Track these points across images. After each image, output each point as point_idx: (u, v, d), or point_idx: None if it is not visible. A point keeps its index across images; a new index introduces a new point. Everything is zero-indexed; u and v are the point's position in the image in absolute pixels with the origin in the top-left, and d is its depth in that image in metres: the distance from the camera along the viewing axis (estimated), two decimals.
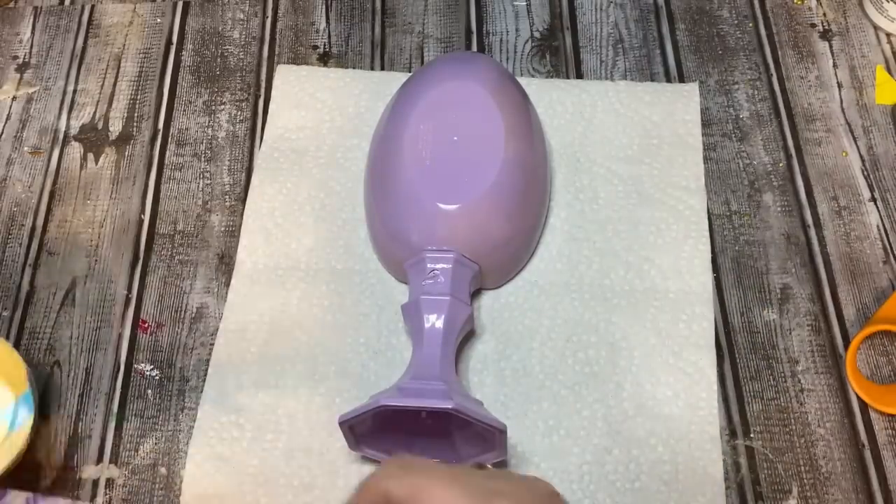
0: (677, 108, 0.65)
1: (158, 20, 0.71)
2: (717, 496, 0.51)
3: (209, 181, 0.64)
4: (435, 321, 0.51)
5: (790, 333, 0.57)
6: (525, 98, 0.59)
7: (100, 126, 0.66)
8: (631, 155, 0.63)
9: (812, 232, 0.61)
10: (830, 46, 0.69)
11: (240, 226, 0.61)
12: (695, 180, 0.62)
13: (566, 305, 0.57)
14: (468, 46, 0.69)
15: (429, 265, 0.53)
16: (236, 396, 0.55)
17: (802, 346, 0.57)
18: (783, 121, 0.65)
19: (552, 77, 0.67)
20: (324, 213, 0.61)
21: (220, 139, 0.65)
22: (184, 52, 0.70)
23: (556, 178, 0.62)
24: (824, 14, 0.70)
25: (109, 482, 0.53)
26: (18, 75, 0.69)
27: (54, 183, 0.64)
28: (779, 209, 0.62)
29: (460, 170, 0.54)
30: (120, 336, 0.58)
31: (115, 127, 0.66)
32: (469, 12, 0.71)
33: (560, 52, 0.69)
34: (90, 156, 0.65)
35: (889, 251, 0.60)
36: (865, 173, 0.63)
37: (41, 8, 0.72)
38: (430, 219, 0.54)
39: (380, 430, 0.50)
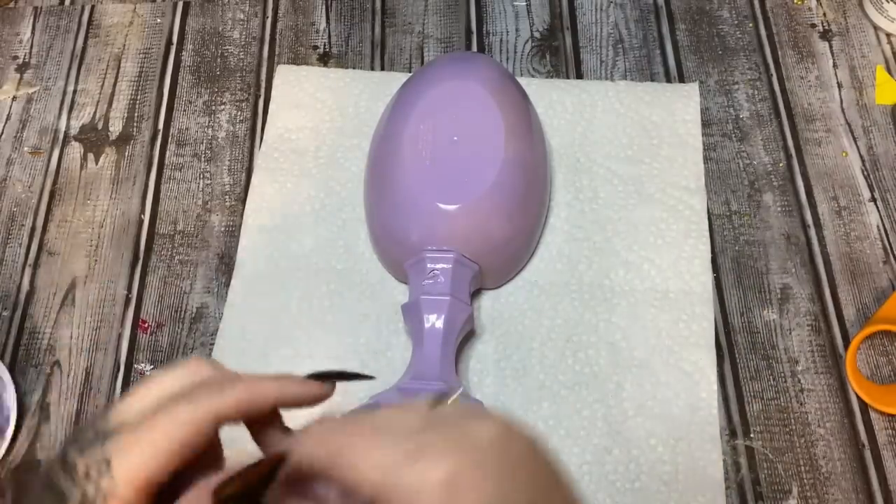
0: (677, 108, 0.65)
1: (158, 20, 0.71)
2: (716, 496, 0.51)
3: (209, 181, 0.64)
4: (435, 321, 0.51)
5: (790, 333, 0.57)
6: (525, 98, 0.59)
7: (100, 126, 0.66)
8: (631, 155, 0.63)
9: (812, 232, 0.61)
10: (830, 46, 0.69)
11: (240, 226, 0.61)
12: (695, 180, 0.62)
13: (566, 305, 0.57)
14: (468, 46, 0.69)
15: (429, 265, 0.53)
16: None
17: (802, 346, 0.57)
18: (783, 121, 0.65)
19: (552, 77, 0.67)
20: (324, 213, 0.61)
21: (220, 139, 0.65)
22: (184, 53, 0.70)
23: (556, 178, 0.62)
24: (824, 14, 0.70)
25: None
26: (18, 75, 0.69)
27: (54, 183, 0.64)
28: (779, 209, 0.62)
29: (460, 170, 0.54)
30: (120, 336, 0.58)
31: (115, 127, 0.66)
32: (469, 12, 0.71)
33: (560, 52, 0.69)
34: (90, 156, 0.65)
35: (889, 251, 0.60)
36: (865, 173, 0.63)
37: (41, 8, 0.72)
38: (430, 219, 0.53)
39: None
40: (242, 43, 0.70)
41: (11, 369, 0.56)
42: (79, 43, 0.70)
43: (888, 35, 0.69)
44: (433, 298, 0.52)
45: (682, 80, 0.67)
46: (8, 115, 0.67)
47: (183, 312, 0.59)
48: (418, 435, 0.29)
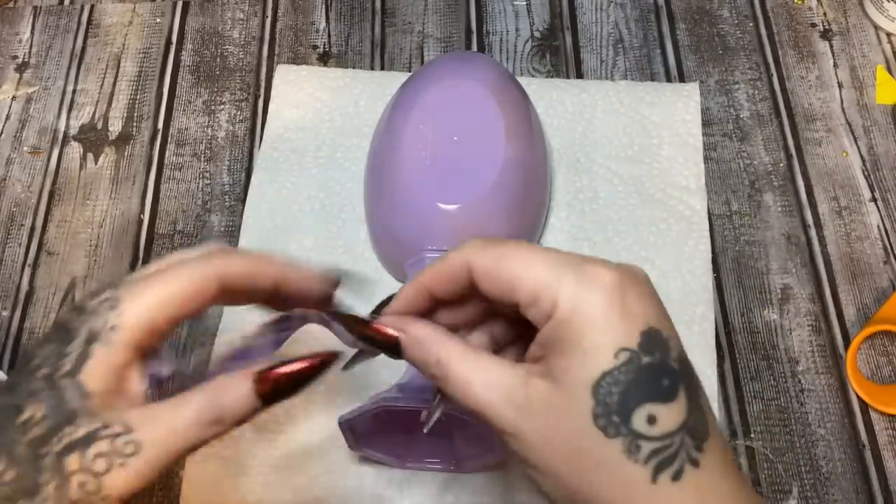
0: (677, 107, 0.65)
1: (158, 20, 0.71)
2: None
3: (209, 181, 0.64)
4: None
5: (790, 333, 0.57)
6: (525, 98, 0.59)
7: (99, 126, 0.66)
8: (631, 155, 0.63)
9: (812, 232, 0.61)
10: (831, 46, 0.69)
11: (240, 226, 0.61)
12: (695, 180, 0.62)
13: None
14: (468, 46, 0.69)
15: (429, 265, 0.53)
16: None
17: (803, 347, 0.57)
18: (783, 121, 0.65)
19: (552, 77, 0.67)
20: (324, 213, 0.61)
21: (219, 139, 0.65)
22: (183, 52, 0.70)
23: (556, 178, 0.62)
24: (825, 14, 0.70)
25: None
26: (18, 75, 0.69)
27: (54, 183, 0.64)
28: (779, 209, 0.62)
29: (460, 170, 0.54)
30: None
31: (115, 127, 0.66)
32: (469, 12, 0.71)
33: (560, 51, 0.69)
34: (90, 156, 0.65)
35: (889, 251, 0.60)
36: (866, 173, 0.63)
37: (41, 8, 0.72)
38: (430, 219, 0.53)
39: (380, 430, 0.50)
40: (242, 42, 0.70)
41: (11, 370, 0.56)
42: (78, 42, 0.70)
43: (889, 35, 0.69)
44: None
45: (682, 79, 0.67)
46: (7, 114, 0.67)
47: None
48: (573, 254, 0.31)
